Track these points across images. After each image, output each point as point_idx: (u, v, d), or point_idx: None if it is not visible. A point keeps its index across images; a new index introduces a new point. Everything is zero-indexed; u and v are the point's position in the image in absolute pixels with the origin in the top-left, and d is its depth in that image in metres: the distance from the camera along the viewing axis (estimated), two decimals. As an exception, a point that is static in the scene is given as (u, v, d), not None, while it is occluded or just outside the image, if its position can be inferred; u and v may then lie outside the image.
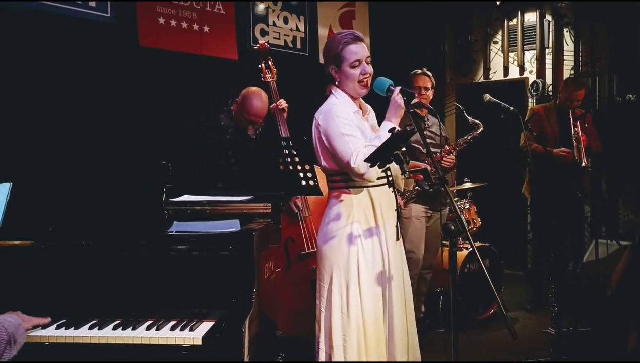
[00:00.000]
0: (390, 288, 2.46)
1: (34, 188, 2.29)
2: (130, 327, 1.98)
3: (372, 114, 2.63)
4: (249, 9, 4.94)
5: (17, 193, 2.25)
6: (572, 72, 5.98)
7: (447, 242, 4.23)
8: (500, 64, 6.48)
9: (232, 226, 2.30)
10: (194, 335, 1.93)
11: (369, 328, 2.42)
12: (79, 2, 3.79)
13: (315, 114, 2.51)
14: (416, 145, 3.92)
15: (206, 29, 4.53)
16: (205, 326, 1.99)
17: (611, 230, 5.61)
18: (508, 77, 6.45)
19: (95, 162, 2.44)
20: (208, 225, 2.31)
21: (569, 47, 6.04)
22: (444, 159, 3.93)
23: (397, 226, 2.53)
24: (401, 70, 4.07)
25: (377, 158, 2.15)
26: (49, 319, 1.98)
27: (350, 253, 2.42)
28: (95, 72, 3.80)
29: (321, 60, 5.35)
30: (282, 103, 3.59)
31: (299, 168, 2.51)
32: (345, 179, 2.46)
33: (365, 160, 2.20)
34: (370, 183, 2.44)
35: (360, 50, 2.43)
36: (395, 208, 2.54)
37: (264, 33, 5.04)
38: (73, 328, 1.98)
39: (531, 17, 6.23)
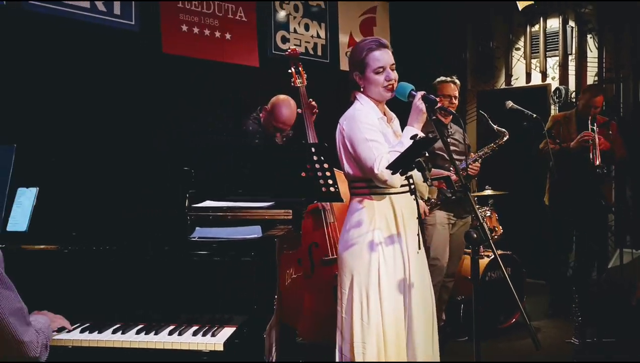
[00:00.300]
0: (411, 296, 2.45)
1: (58, 193, 2.33)
2: (153, 332, 2.00)
3: (396, 121, 2.62)
4: (270, 17, 4.98)
5: (42, 198, 2.29)
6: (596, 78, 5.90)
7: (468, 250, 4.25)
8: (522, 70, 6.42)
9: (254, 232, 2.31)
10: (215, 341, 1.94)
11: (389, 336, 2.41)
12: (105, 10, 3.85)
13: (339, 120, 2.52)
14: (440, 153, 3.91)
15: (228, 36, 4.57)
16: (227, 332, 1.99)
17: (636, 238, 5.50)
18: (530, 84, 6.39)
19: (119, 167, 2.47)
20: (230, 231, 2.32)
21: (592, 53, 5.96)
22: (470, 166, 3.92)
23: (418, 234, 2.51)
24: (422, 77, 4.06)
25: (399, 165, 2.14)
26: (69, 323, 2.00)
27: (371, 261, 2.41)
28: (120, 78, 3.85)
29: (342, 67, 5.45)
30: (312, 103, 3.62)
31: (320, 174, 2.52)
32: (367, 185, 2.45)
33: (387, 167, 2.19)
34: (393, 190, 2.43)
35: (384, 57, 2.44)
36: (416, 216, 2.53)
37: (285, 40, 5.07)
38: (97, 332, 2.00)
39: (554, 23, 6.17)
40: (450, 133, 4.09)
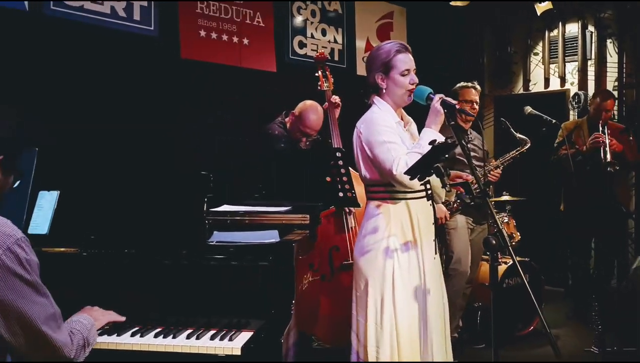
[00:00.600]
0: (426, 302, 2.44)
1: (78, 196, 2.35)
2: (171, 335, 2.00)
3: (413, 125, 2.62)
4: (287, 22, 5.00)
5: (63, 201, 2.32)
6: (616, 83, 5.83)
7: (485, 256, 4.22)
8: (541, 75, 6.37)
9: (272, 237, 2.31)
10: (233, 345, 1.94)
11: (403, 341, 2.40)
12: (125, 16, 3.90)
13: (356, 123, 2.52)
14: (460, 158, 3.89)
15: (246, 41, 4.60)
16: (244, 336, 2.00)
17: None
18: (549, 89, 6.33)
19: (138, 171, 2.49)
20: (247, 235, 2.33)
21: (612, 58, 5.90)
22: (491, 172, 3.90)
23: (435, 240, 2.50)
24: (439, 82, 4.05)
25: (418, 170, 2.13)
26: (124, 318, 2.03)
27: (386, 267, 2.41)
28: (139, 83, 3.89)
29: (358, 72, 5.45)
30: (336, 98, 3.62)
31: (338, 179, 2.53)
32: (385, 189, 2.45)
33: (405, 173, 2.18)
34: (409, 195, 2.43)
35: (409, 60, 2.45)
36: (432, 221, 2.52)
37: (302, 45, 5.09)
38: (116, 335, 2.01)
39: (573, 28, 6.11)
40: (469, 139, 4.07)
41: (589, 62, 6.02)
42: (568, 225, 5.01)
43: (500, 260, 4.39)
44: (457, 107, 2.35)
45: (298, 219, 2.64)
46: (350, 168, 2.81)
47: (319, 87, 3.64)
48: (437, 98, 2.35)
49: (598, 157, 4.53)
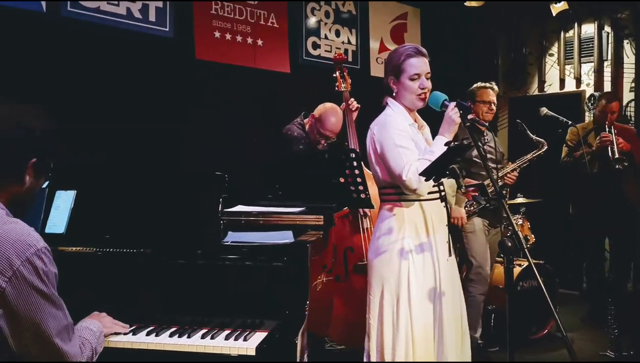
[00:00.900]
0: (441, 304, 2.43)
1: (94, 196, 2.36)
2: (186, 335, 2.01)
3: (426, 129, 2.61)
4: (301, 23, 5.01)
5: (79, 201, 2.33)
6: (633, 85, 5.77)
7: (498, 259, 4.19)
8: (556, 76, 6.32)
9: (286, 237, 2.31)
10: (247, 345, 1.94)
11: (418, 343, 2.39)
12: (140, 17, 3.92)
13: (370, 125, 2.52)
14: (477, 160, 3.87)
15: (260, 42, 4.61)
16: (259, 336, 2.00)
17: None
18: (564, 90, 6.28)
19: (153, 171, 2.50)
20: (262, 235, 2.33)
21: (629, 59, 5.84)
22: (508, 175, 3.89)
23: (448, 241, 2.50)
24: (453, 83, 4.04)
25: (433, 171, 2.13)
26: (128, 327, 2.03)
27: (401, 268, 2.40)
28: (154, 83, 3.92)
29: (372, 73, 5.44)
30: (354, 103, 3.63)
31: (350, 180, 2.53)
32: (397, 191, 2.44)
33: (420, 174, 2.18)
34: (423, 196, 2.42)
35: (421, 65, 2.43)
36: (446, 223, 2.51)
37: (316, 46, 5.09)
38: (131, 334, 2.02)
39: (589, 29, 6.05)
40: (486, 140, 4.04)
41: (605, 63, 5.97)
42: (579, 227, 4.98)
43: (514, 263, 4.36)
44: (471, 117, 2.31)
45: (312, 220, 2.64)
46: (365, 169, 2.81)
47: (336, 88, 3.65)
48: (452, 106, 2.32)
49: (606, 156, 4.52)
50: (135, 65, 3.85)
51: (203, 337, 2.01)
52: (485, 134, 4.05)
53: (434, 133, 2.47)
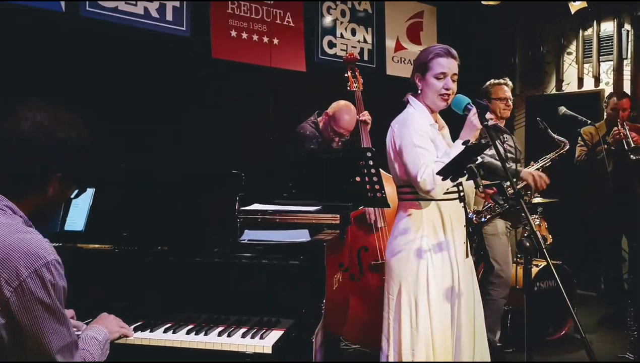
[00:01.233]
0: (459, 305, 2.41)
1: (112, 194, 2.39)
2: (203, 333, 2.02)
3: (446, 130, 2.60)
4: (317, 22, 5.00)
5: (97, 199, 2.36)
6: (653, 84, 5.70)
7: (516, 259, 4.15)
8: (574, 75, 6.25)
9: (302, 236, 2.31)
10: (264, 344, 1.94)
11: (437, 343, 2.39)
12: (158, 16, 3.95)
13: (391, 123, 2.51)
14: (495, 160, 3.83)
15: (276, 41, 4.62)
16: (275, 335, 2.00)
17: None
18: (582, 89, 6.21)
19: (171, 169, 2.52)
20: (278, 234, 2.33)
21: (649, 57, 5.76)
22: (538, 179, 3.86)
23: (466, 242, 2.48)
24: (470, 82, 4.01)
25: (450, 171, 2.11)
26: (133, 334, 2.02)
27: (419, 268, 2.39)
28: (171, 82, 3.94)
29: (388, 72, 5.42)
30: (366, 115, 3.63)
31: (367, 179, 2.52)
32: (415, 190, 2.43)
33: (437, 173, 2.17)
34: (440, 196, 2.41)
35: (448, 65, 2.43)
36: (464, 223, 2.49)
37: (331, 45, 5.09)
38: (149, 331, 2.03)
39: (608, 27, 5.98)
40: (504, 139, 4.00)
41: (625, 62, 5.89)
42: (594, 227, 4.94)
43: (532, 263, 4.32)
44: (493, 122, 2.29)
45: (328, 219, 2.64)
46: (380, 169, 2.80)
47: (348, 88, 3.65)
48: (474, 111, 2.30)
49: (621, 151, 4.52)
50: (152, 64, 3.87)
51: (220, 334, 2.02)
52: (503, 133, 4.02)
53: (454, 135, 2.45)
